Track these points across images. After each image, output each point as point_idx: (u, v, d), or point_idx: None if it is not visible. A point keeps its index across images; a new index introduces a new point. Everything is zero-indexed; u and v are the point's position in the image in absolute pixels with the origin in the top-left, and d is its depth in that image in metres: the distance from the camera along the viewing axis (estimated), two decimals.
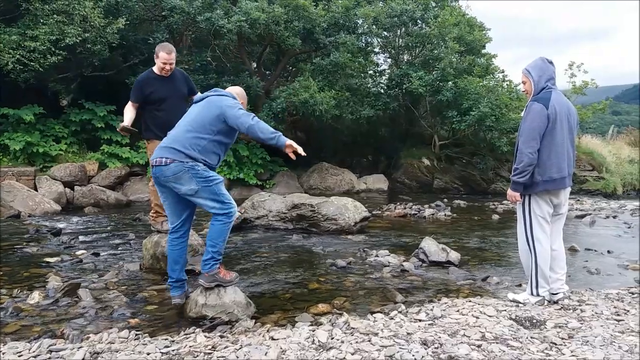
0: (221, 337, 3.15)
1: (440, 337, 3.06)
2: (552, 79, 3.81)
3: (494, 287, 4.59)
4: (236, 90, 3.98)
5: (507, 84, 14.53)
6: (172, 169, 3.50)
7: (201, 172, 3.52)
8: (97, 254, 5.62)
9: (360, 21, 13.53)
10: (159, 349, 2.91)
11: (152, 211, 5.03)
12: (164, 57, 4.79)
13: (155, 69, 4.89)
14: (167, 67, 4.82)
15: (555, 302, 3.86)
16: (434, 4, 15.28)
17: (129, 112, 4.88)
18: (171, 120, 4.77)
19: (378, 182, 14.32)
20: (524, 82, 3.90)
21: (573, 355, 2.87)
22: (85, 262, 5.27)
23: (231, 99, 3.69)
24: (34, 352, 2.90)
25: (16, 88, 10.27)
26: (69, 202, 9.90)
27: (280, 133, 3.49)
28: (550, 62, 3.85)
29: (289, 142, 3.45)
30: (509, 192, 3.83)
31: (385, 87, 15.62)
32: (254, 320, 3.51)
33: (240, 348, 2.91)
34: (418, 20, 14.55)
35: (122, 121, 4.82)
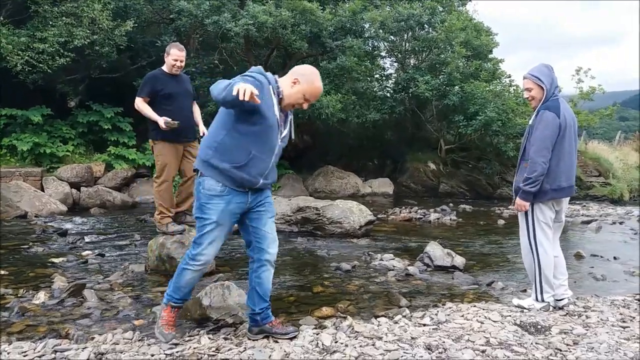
0: (225, 339, 3.15)
1: (444, 342, 3.06)
2: (557, 86, 3.81)
3: (498, 292, 4.57)
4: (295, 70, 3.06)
5: (513, 89, 14.50)
6: (194, 182, 3.08)
7: (201, 194, 2.97)
8: (102, 255, 5.65)
9: (367, 25, 13.54)
10: (163, 351, 2.92)
11: (157, 212, 5.05)
12: (176, 53, 4.89)
13: (165, 67, 4.96)
14: (178, 63, 4.92)
15: (561, 308, 3.84)
16: (441, 9, 15.26)
17: (150, 111, 4.82)
18: (179, 119, 4.83)
19: (383, 185, 14.29)
20: (530, 89, 3.79)
21: None
22: (91, 263, 5.30)
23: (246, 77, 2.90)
24: (39, 352, 2.91)
25: (24, 89, 10.36)
26: (75, 203, 9.95)
27: (235, 82, 2.67)
28: (552, 70, 3.84)
29: (237, 86, 2.58)
30: (518, 201, 3.75)
31: (391, 91, 15.61)
32: None
33: (244, 350, 2.91)
34: (425, 25, 14.54)
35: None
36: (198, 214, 3.00)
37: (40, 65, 9.49)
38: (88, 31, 9.98)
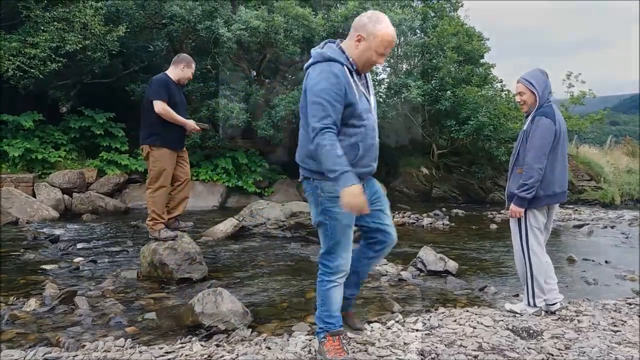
0: (217, 346, 3.14)
1: (437, 348, 3.06)
2: (551, 92, 3.83)
3: (491, 297, 4.59)
4: (355, 23, 2.63)
5: (505, 94, 14.60)
6: (305, 188, 2.84)
7: (322, 198, 2.67)
8: (94, 262, 5.61)
9: None
10: (155, 358, 2.91)
11: (149, 219, 5.03)
12: (193, 67, 5.11)
13: (172, 75, 4.96)
14: (191, 77, 5.17)
15: (553, 313, 3.86)
16: (432, 14, 15.36)
17: (176, 114, 4.81)
18: (179, 128, 4.89)
19: None
20: (522, 93, 3.79)
21: None
22: (83, 270, 5.27)
23: (316, 75, 2.56)
24: None
25: (16, 94, 10.30)
26: (67, 209, 9.89)
27: (344, 171, 2.47)
28: (547, 75, 3.86)
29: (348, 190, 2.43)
30: (513, 207, 3.74)
31: (384, 96, 15.60)
32: (250, 329, 3.50)
33: (236, 357, 2.90)
34: (417, 30, 14.62)
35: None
36: (323, 220, 2.70)
37: (32, 70, 9.43)
38: (80, 36, 9.93)
